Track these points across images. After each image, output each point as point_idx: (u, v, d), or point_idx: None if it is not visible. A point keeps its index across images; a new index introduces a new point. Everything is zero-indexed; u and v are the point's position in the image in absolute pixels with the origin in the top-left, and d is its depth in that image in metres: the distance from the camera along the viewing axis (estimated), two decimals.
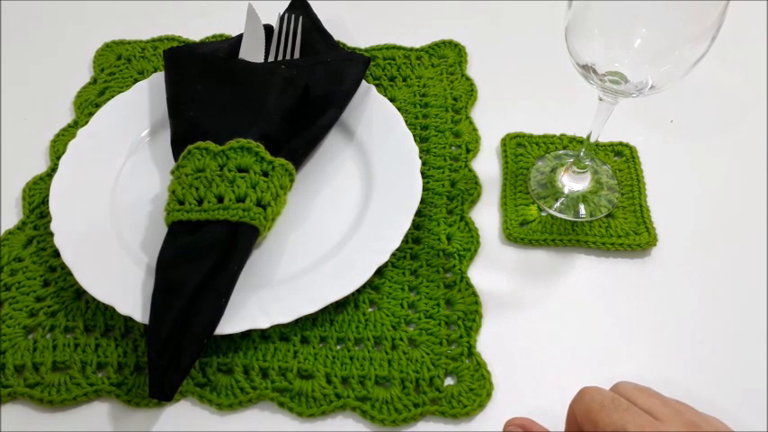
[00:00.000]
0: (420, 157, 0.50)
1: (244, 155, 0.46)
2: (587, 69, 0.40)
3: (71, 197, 0.48)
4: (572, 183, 0.51)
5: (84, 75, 0.61)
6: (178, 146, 0.49)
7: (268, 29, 0.59)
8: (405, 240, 0.47)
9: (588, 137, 0.47)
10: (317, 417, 0.40)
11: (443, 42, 0.63)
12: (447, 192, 0.51)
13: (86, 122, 0.54)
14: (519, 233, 0.48)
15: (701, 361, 0.43)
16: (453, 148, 0.54)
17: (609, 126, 0.46)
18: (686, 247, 0.48)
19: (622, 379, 0.34)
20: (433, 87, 0.59)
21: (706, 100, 0.58)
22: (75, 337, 0.43)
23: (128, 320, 0.44)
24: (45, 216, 0.50)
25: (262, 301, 0.43)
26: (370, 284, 0.45)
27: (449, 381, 0.42)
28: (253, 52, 0.57)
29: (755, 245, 0.49)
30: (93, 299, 0.44)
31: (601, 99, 0.43)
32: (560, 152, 0.54)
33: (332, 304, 0.44)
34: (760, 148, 0.55)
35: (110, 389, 0.41)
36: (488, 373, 0.42)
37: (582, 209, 0.50)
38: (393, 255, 0.46)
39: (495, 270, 0.47)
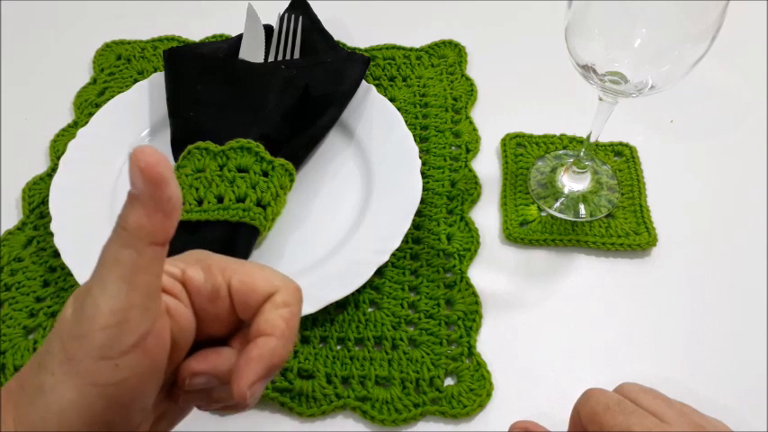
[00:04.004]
0: (420, 157, 0.50)
1: (244, 155, 0.46)
2: (587, 69, 0.40)
3: (71, 197, 0.48)
4: (572, 183, 0.51)
5: (84, 75, 0.61)
6: (178, 146, 0.49)
7: (268, 29, 0.59)
8: (405, 240, 0.47)
9: (588, 137, 0.47)
10: (317, 417, 0.40)
11: (443, 42, 0.63)
12: (447, 192, 0.51)
13: (86, 122, 0.54)
14: (519, 233, 0.48)
15: (701, 361, 0.43)
16: (453, 148, 0.54)
17: (609, 126, 0.46)
18: (686, 247, 0.48)
19: (622, 379, 0.34)
20: (433, 87, 0.59)
21: (706, 100, 0.58)
22: None
23: None
24: (45, 216, 0.50)
25: None
26: (370, 284, 0.45)
27: (449, 381, 0.42)
28: (253, 52, 0.57)
29: (755, 245, 0.49)
30: None
31: (601, 99, 0.43)
32: (560, 152, 0.54)
33: (332, 304, 0.44)
34: (760, 148, 0.55)
35: None
36: (488, 373, 0.42)
37: (582, 209, 0.50)
38: (393, 255, 0.46)
39: (495, 270, 0.47)
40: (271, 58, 0.57)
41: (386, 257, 0.45)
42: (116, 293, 0.24)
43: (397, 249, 0.46)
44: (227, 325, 0.29)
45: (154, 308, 0.25)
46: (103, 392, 0.24)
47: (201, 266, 0.28)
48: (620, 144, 0.54)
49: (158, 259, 0.25)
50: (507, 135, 0.55)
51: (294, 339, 0.29)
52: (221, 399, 0.30)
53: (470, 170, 0.53)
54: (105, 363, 0.24)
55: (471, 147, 0.54)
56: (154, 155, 0.23)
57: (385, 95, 0.56)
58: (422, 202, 0.49)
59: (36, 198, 0.51)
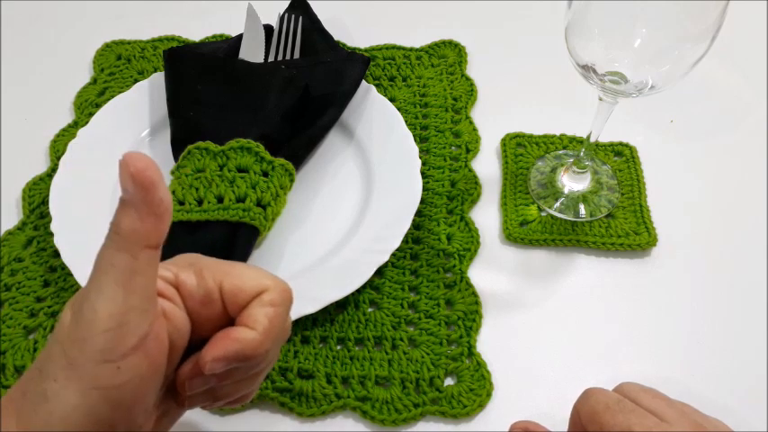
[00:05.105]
0: (420, 157, 0.50)
1: (244, 155, 0.46)
2: (587, 69, 0.40)
3: (71, 197, 0.48)
4: (572, 183, 0.51)
5: (84, 75, 0.61)
6: (178, 146, 0.49)
7: (268, 29, 0.59)
8: (405, 240, 0.47)
9: (588, 137, 0.47)
10: (317, 417, 0.40)
11: (443, 42, 0.63)
12: (447, 192, 0.51)
13: (86, 122, 0.54)
14: (519, 233, 0.48)
15: (700, 361, 0.43)
16: (453, 148, 0.54)
17: (609, 126, 0.46)
18: (686, 247, 0.48)
19: (622, 379, 0.34)
20: (433, 87, 0.59)
21: (706, 100, 0.58)
22: None
23: None
24: (45, 216, 0.50)
25: None
26: (370, 284, 0.45)
27: (449, 381, 0.42)
28: (253, 52, 0.57)
29: (755, 245, 0.49)
30: None
31: (601, 99, 0.43)
32: (560, 152, 0.54)
33: (332, 304, 0.44)
34: (760, 148, 0.55)
35: None
36: (488, 373, 0.42)
37: (582, 209, 0.50)
38: (393, 255, 0.46)
39: (495, 270, 0.47)
40: (271, 58, 0.57)
41: (386, 257, 0.45)
42: (113, 297, 0.24)
43: (397, 249, 0.46)
44: (221, 326, 0.29)
45: (151, 310, 0.26)
46: (106, 395, 0.24)
47: (193, 270, 0.29)
48: (620, 144, 0.54)
49: (153, 262, 0.25)
50: (507, 135, 0.55)
51: (278, 340, 0.29)
52: (224, 395, 0.30)
53: (470, 170, 0.53)
54: (107, 366, 0.24)
55: (471, 147, 0.54)
56: (143, 159, 0.24)
57: (385, 95, 0.56)
58: (422, 202, 0.49)
59: (36, 198, 0.51)
